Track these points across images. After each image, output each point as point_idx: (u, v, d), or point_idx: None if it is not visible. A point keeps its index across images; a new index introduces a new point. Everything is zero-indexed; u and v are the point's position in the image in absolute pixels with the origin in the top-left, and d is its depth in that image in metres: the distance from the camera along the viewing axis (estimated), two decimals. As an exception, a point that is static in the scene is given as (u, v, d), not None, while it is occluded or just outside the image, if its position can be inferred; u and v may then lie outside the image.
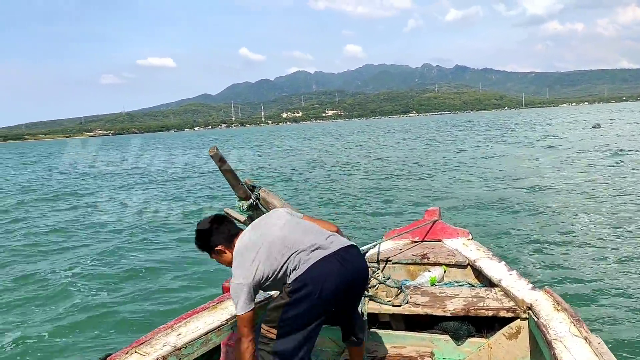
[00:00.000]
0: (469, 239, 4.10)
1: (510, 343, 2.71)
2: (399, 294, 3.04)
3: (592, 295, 4.89)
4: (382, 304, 3.01)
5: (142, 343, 2.48)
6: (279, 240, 2.17)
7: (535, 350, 2.57)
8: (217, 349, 2.71)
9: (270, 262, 2.13)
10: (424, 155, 22.54)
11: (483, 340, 2.84)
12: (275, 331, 2.10)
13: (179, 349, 2.46)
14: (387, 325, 3.19)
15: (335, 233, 2.34)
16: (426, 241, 4.21)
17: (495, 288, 3.05)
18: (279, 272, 2.13)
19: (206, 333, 2.63)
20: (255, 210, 3.12)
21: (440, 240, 4.17)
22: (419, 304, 2.95)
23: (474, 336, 2.89)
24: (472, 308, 2.81)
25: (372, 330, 3.05)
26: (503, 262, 3.41)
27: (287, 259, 2.13)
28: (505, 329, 2.73)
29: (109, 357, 2.36)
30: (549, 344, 2.17)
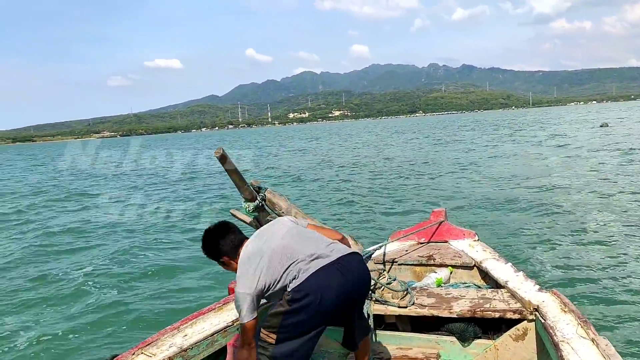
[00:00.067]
0: (475, 240, 4.08)
1: (517, 345, 2.69)
2: (405, 295, 3.03)
3: (600, 297, 4.84)
4: (389, 305, 3.00)
5: (148, 344, 2.50)
6: (280, 250, 2.20)
7: (542, 352, 2.56)
8: (223, 350, 2.72)
9: (271, 271, 2.16)
10: (431, 155, 22.47)
11: (489, 341, 2.83)
12: (274, 336, 2.13)
13: (185, 350, 2.48)
14: (393, 327, 3.19)
15: (336, 241, 2.35)
16: (432, 242, 4.20)
17: (502, 289, 3.03)
18: (279, 281, 2.16)
19: (212, 334, 2.64)
20: (261, 212, 3.14)
21: (446, 242, 4.15)
22: (425, 306, 2.95)
23: (480, 338, 2.88)
24: (479, 309, 2.80)
25: (378, 331, 3.05)
26: (510, 263, 3.39)
27: (287, 269, 2.15)
28: (512, 331, 2.71)
29: (115, 358, 2.38)
30: (555, 346, 2.16)
